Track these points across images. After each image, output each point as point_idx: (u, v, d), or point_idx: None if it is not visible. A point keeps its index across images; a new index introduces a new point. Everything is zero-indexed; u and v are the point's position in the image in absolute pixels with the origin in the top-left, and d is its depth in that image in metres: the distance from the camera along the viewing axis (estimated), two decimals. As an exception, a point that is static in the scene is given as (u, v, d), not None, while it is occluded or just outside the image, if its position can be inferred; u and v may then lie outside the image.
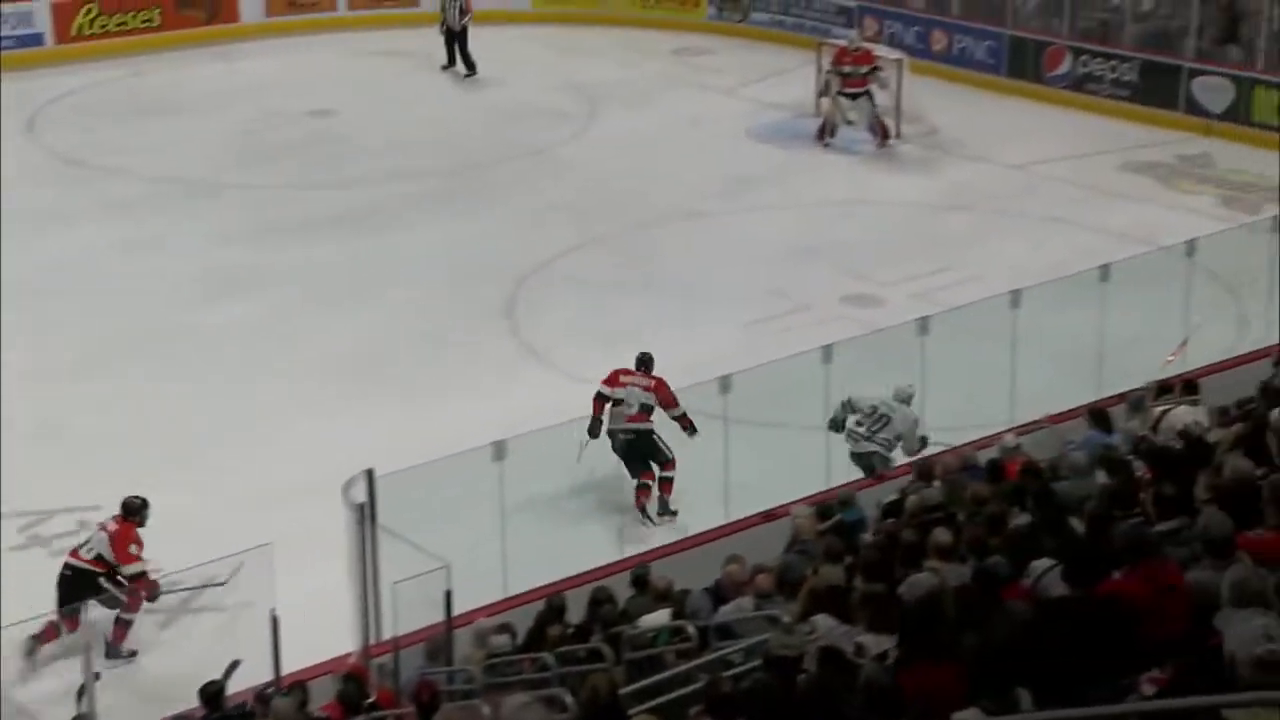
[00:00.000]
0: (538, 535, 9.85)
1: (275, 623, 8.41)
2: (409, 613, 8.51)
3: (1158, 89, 18.49)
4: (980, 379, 11.47)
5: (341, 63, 21.62)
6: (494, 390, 12.42)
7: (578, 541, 9.82)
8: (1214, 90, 18.09)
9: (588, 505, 10.32)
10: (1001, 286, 11.62)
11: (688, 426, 10.87)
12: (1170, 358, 11.13)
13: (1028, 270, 13.12)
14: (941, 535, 7.09)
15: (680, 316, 13.03)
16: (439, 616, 8.40)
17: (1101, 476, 7.80)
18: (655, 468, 10.85)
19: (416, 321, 13.85)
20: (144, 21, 22.21)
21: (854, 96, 18.10)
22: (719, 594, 8.06)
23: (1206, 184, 16.87)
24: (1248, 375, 10.14)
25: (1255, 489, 5.87)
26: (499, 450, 9.41)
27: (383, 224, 16.11)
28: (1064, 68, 19.47)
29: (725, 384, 10.38)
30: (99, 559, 9.85)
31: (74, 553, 9.95)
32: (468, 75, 21.02)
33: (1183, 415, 9.12)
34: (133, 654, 9.77)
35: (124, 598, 9.79)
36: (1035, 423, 10.54)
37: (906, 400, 10.79)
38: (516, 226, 16.02)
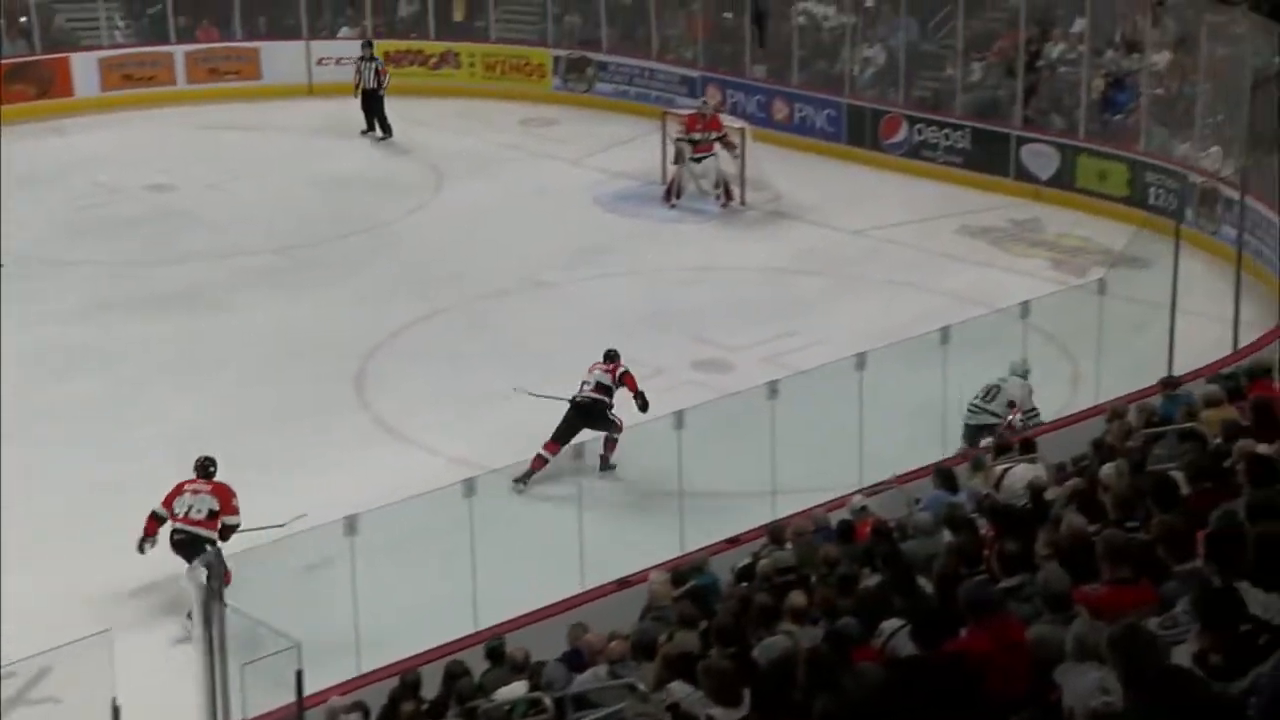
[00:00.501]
0: (391, 610, 9.74)
1: (116, 713, 8.17)
2: (258, 694, 8.34)
3: (989, 156, 19.12)
4: (829, 441, 11.66)
5: (181, 136, 21.34)
6: (345, 465, 12.29)
7: (432, 615, 9.72)
8: (1041, 157, 18.77)
9: (441, 579, 10.24)
10: (847, 349, 11.87)
11: (642, 406, 12.34)
12: (1010, 418, 11.46)
13: (872, 333, 13.42)
14: (796, 598, 7.20)
15: (531, 386, 13.00)
16: (290, 697, 8.25)
17: (948, 535, 7.99)
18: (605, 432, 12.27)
19: (264, 398, 13.66)
20: (-29, 96, 21.69)
21: (702, 160, 18.50)
22: (576, 662, 8.06)
23: (1038, 247, 17.46)
24: (1082, 432, 10.49)
25: (1090, 544, 6.07)
26: (350, 525, 9.31)
27: (225, 299, 15.89)
28: (900, 135, 20.04)
29: (578, 452, 10.43)
30: (211, 515, 10.46)
31: (181, 517, 10.54)
32: (383, 138, 21.12)
33: (1023, 474, 9.40)
34: None
35: (221, 569, 9.81)
36: (883, 483, 10.76)
37: (1023, 374, 11.93)
38: (363, 300, 15.92)
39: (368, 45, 21.73)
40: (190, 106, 22.27)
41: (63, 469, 12.26)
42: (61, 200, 18.60)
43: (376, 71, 21.22)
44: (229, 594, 8.69)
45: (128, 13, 23.96)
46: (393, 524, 9.71)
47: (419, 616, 9.69)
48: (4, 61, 22.21)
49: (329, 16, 24.41)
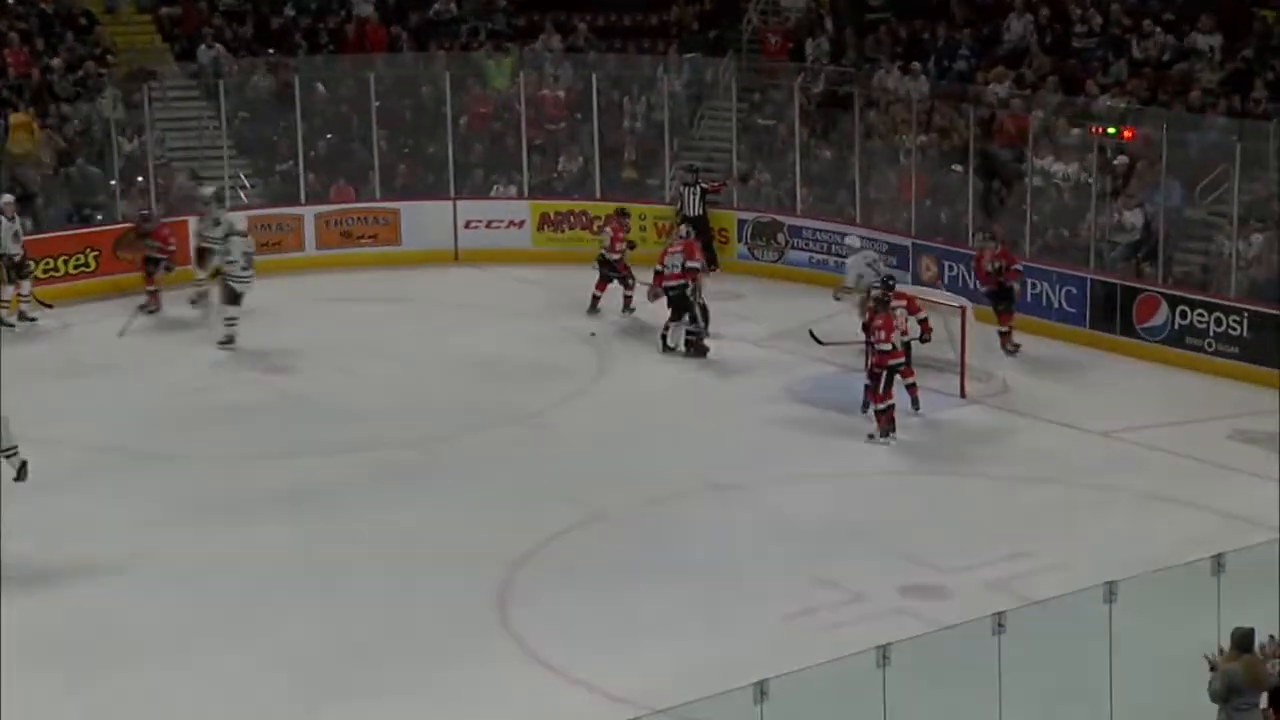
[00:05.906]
0: None
1: None
2: None
3: (1272, 346, 18.62)
4: (1069, 689, 11.31)
5: (309, 308, 22.06)
6: (482, 699, 12.28)
7: None
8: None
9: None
10: (1093, 577, 11.54)
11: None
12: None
13: (1123, 558, 13.13)
14: None
15: (705, 608, 12.98)
16: None
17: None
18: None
19: (387, 617, 13.68)
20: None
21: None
22: None
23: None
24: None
25: None
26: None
27: (344, 500, 16.01)
28: (1159, 319, 19.73)
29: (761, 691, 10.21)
30: (686, 270, 19.88)
31: (671, 274, 19.67)
32: (712, 270, 22.44)
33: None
34: None
35: None
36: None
37: None
38: (506, 502, 15.98)
39: (691, 170, 23.37)
40: (320, 274, 23.00)
41: (146, 703, 12.34)
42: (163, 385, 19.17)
43: (703, 192, 23.04)
44: None
45: (255, 171, 24.97)
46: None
47: None
48: (119, 227, 23.01)
49: (481, 174, 25.12)
